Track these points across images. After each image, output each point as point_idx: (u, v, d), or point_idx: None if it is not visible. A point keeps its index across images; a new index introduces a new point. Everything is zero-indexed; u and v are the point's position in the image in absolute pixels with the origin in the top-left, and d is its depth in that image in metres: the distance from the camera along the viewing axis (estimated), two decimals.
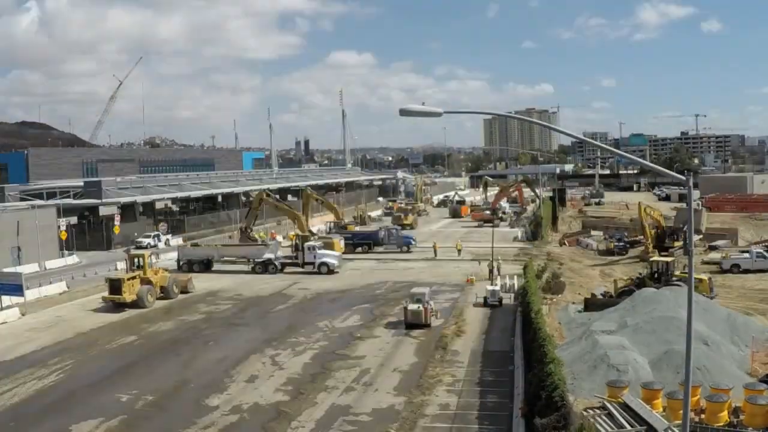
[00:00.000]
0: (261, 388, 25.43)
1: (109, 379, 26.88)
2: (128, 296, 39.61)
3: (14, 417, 23.08)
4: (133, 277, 40.86)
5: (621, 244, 57.85)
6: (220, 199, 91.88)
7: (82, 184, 76.43)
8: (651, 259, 43.62)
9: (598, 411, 20.33)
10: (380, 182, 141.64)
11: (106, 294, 40.39)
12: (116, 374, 27.53)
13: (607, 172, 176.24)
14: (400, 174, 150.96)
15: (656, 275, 38.35)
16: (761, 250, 47.94)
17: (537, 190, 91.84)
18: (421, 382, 25.42)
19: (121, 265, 48.74)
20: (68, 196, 72.20)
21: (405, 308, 34.26)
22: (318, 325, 35.15)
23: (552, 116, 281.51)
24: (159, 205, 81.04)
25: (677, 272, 38.12)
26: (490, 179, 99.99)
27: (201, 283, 46.87)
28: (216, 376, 27.03)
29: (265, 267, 51.31)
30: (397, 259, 56.67)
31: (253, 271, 51.20)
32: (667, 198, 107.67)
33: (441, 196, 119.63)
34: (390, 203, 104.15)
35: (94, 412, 23.16)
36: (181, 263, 52.79)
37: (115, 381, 26.62)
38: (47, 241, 58.42)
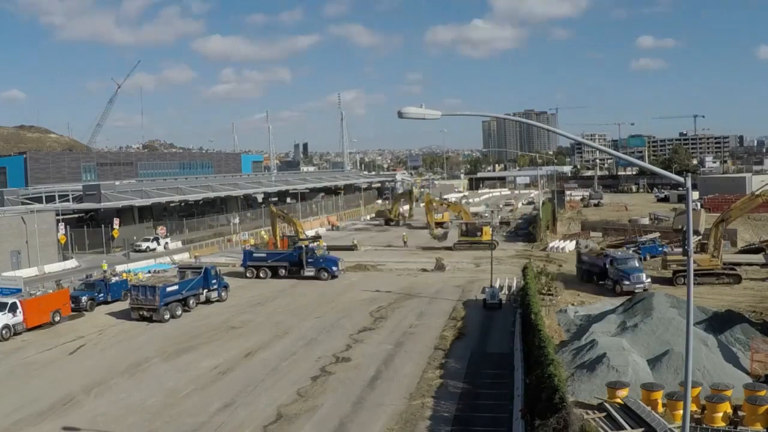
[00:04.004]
0: (260, 391, 25.42)
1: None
2: None
3: None
4: None
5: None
6: (219, 202, 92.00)
7: (81, 187, 76.43)
8: None
9: (598, 412, 20.34)
10: (379, 184, 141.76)
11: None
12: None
13: (606, 173, 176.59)
14: (398, 176, 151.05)
15: None
16: None
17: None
18: (421, 385, 25.42)
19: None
20: (67, 200, 72.22)
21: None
22: (317, 328, 35.15)
23: (551, 117, 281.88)
24: (158, 209, 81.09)
25: None
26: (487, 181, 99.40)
27: None
28: (215, 380, 27.04)
29: None
30: None
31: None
32: (666, 199, 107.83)
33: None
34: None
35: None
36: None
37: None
38: (46, 245, 58.45)
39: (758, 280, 43.38)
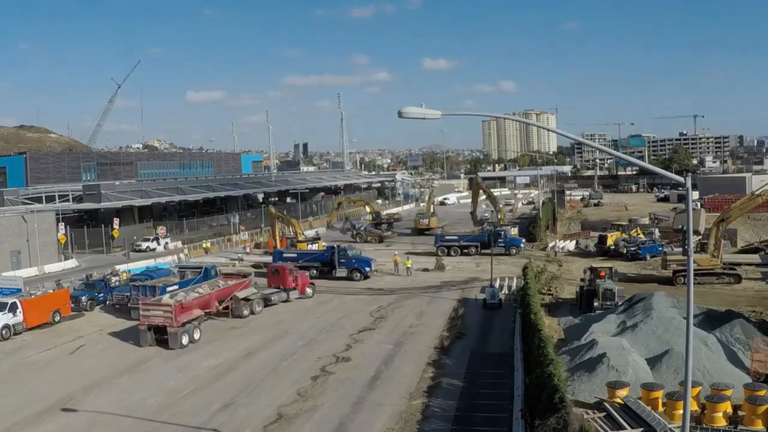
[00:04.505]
0: (260, 391, 25.42)
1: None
2: None
3: None
4: None
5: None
6: (219, 202, 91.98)
7: (81, 187, 76.43)
8: None
9: (597, 412, 20.34)
10: (379, 184, 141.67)
11: None
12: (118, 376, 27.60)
13: (606, 173, 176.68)
14: (398, 176, 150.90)
15: None
16: None
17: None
18: (421, 384, 25.43)
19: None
20: (67, 200, 72.24)
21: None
22: (317, 328, 35.14)
23: (550, 117, 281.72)
24: (158, 209, 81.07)
25: None
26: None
27: None
28: (215, 380, 27.04)
29: None
30: None
31: None
32: (666, 199, 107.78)
33: (440, 198, 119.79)
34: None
35: None
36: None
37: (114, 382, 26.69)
38: (46, 245, 58.44)
39: (758, 280, 43.42)
